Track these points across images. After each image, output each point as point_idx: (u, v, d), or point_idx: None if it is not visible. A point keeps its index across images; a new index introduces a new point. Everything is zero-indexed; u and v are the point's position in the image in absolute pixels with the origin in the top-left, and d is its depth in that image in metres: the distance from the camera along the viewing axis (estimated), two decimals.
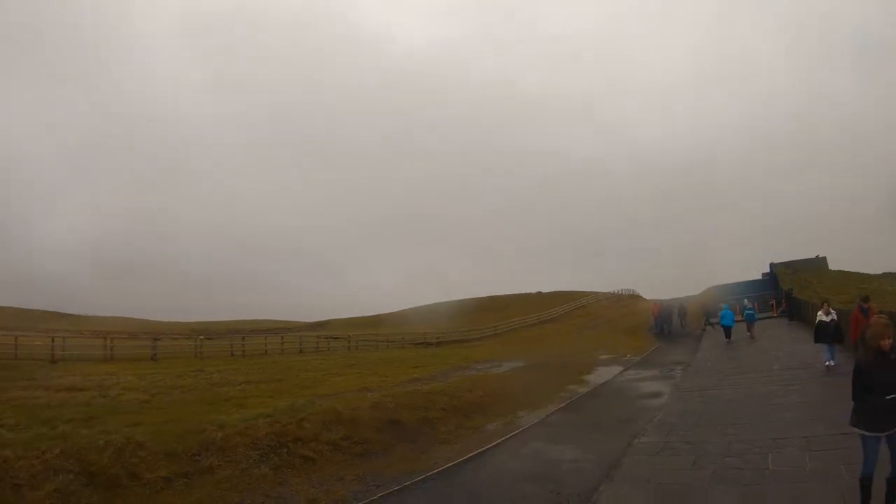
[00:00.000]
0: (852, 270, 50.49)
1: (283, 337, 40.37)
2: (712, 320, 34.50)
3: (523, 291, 68.55)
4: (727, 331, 27.31)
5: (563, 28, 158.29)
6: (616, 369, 22.02)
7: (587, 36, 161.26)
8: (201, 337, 34.63)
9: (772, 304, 41.85)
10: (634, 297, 61.86)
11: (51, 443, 8.98)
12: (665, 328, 36.20)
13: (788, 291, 38.84)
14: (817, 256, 53.45)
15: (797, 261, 52.28)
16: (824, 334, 16.04)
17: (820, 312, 16.49)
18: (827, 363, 15.76)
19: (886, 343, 5.60)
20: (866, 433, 5.73)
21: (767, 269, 53.46)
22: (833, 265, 52.47)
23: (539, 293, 67.94)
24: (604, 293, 62.73)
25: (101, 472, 8.70)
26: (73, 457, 8.75)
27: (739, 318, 30.18)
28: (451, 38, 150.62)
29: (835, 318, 16.22)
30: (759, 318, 32.73)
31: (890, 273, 47.89)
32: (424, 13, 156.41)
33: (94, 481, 8.50)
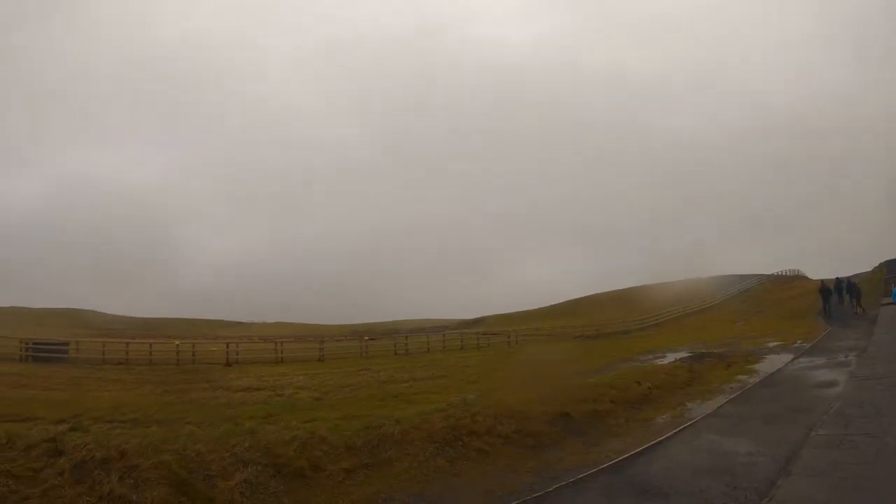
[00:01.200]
0: None
1: (444, 334, 41.23)
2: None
3: (680, 279, 65.60)
4: None
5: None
6: (786, 357, 20.54)
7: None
8: (366, 338, 36.26)
9: None
10: (800, 278, 57.30)
11: (239, 438, 9.91)
12: (828, 309, 33.29)
13: None
14: None
15: None
16: None
17: None
18: None
19: None
20: None
21: None
22: None
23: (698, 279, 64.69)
24: (767, 275, 58.56)
25: (287, 464, 9.50)
26: (261, 450, 9.61)
27: None
28: (558, 30, 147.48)
29: None
30: None
31: None
32: (529, 9, 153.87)
33: (280, 472, 9.31)
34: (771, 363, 19.81)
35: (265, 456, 9.47)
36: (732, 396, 15.10)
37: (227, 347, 29.52)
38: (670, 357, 22.71)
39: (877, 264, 48.28)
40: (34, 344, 28.47)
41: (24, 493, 8.08)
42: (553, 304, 67.83)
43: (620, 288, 65.66)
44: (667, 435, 11.88)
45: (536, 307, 66.86)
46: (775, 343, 25.06)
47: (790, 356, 20.88)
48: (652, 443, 11.36)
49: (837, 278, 41.61)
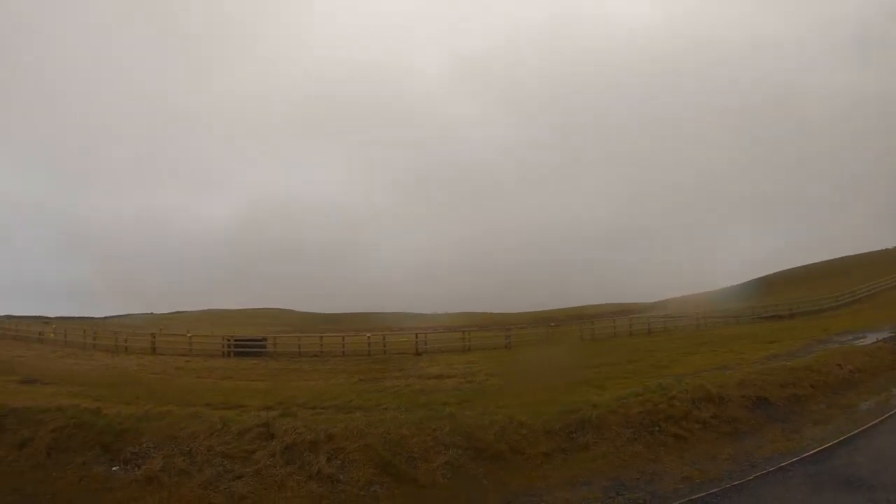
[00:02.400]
0: None
1: (630, 319, 40.67)
2: None
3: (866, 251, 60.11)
4: None
5: None
6: None
7: None
8: (552, 324, 36.54)
9: None
10: None
11: (440, 422, 10.82)
12: None
13: None
14: None
15: None
16: None
17: None
18: None
19: None
20: None
21: None
22: None
23: (886, 250, 58.98)
24: None
25: (487, 447, 10.23)
26: (461, 434, 10.45)
27: None
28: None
29: None
30: None
31: None
32: None
33: (480, 455, 10.07)
34: None
35: (465, 439, 10.29)
36: None
37: (416, 338, 31.20)
38: (871, 337, 21.14)
39: None
40: (236, 341, 32.07)
41: (238, 471, 9.42)
42: (742, 282, 64.65)
43: (809, 263, 61.59)
44: (871, 423, 11.46)
45: (722, 287, 64.02)
46: None
47: None
48: (856, 431, 10.99)
49: None
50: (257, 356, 30.42)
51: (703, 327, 37.23)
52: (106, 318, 50.06)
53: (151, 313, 52.94)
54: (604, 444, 10.69)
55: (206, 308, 58.34)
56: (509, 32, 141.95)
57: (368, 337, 31.91)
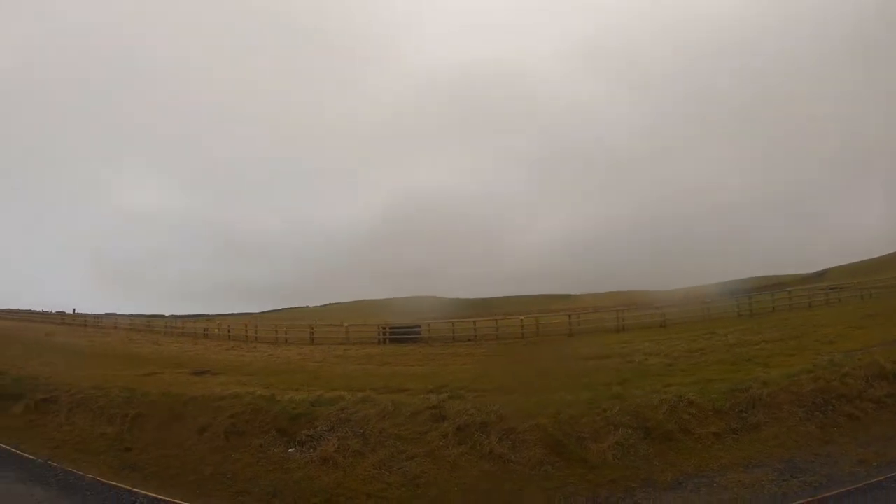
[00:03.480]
0: None
1: (790, 292, 39.03)
2: None
3: None
4: None
5: None
6: None
7: None
8: (707, 300, 35.68)
9: None
10: None
11: (608, 402, 11.16)
12: None
13: None
14: None
15: None
16: None
17: None
18: None
19: None
20: None
21: None
22: None
23: None
24: None
25: (656, 427, 10.51)
26: (630, 413, 10.77)
27: None
28: None
29: None
30: None
31: None
32: None
33: (649, 435, 10.39)
34: None
35: (634, 419, 10.63)
36: None
37: (570, 319, 31.37)
38: None
39: None
40: (391, 328, 33.80)
41: (411, 452, 10.15)
42: None
43: None
44: None
45: (889, 253, 59.76)
46: None
47: None
48: None
49: None
50: (412, 342, 31.99)
51: (868, 298, 35.17)
52: (263, 312, 53.93)
53: (306, 306, 56.40)
54: (775, 425, 10.69)
55: (355, 299, 61.24)
56: (621, 6, 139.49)
57: (521, 320, 32.45)
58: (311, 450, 10.79)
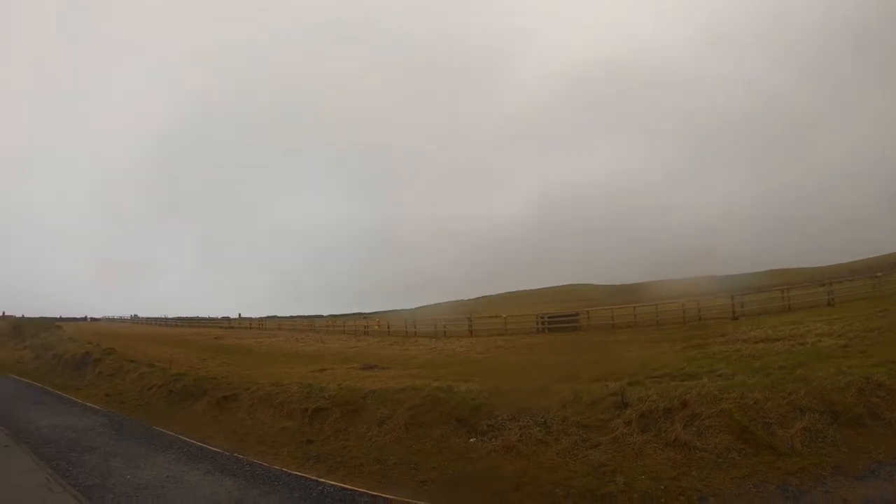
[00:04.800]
0: None
1: None
2: None
3: None
4: None
5: None
6: None
7: None
8: (878, 273, 34.32)
9: None
10: None
11: (793, 385, 11.35)
12: None
13: None
14: None
15: None
16: None
17: None
18: None
19: None
20: None
21: None
22: None
23: None
24: None
25: (845, 411, 10.58)
26: (816, 397, 10.90)
27: None
28: None
29: None
30: None
31: None
32: None
33: (837, 420, 10.47)
34: None
35: (821, 403, 10.77)
36: None
37: (732, 300, 31.14)
38: None
39: None
40: (549, 318, 34.63)
41: (594, 440, 10.74)
42: None
43: None
44: None
45: None
46: None
47: None
48: None
49: None
50: (571, 331, 32.76)
51: None
52: (416, 308, 56.34)
53: (459, 300, 58.40)
54: None
55: (506, 291, 62.67)
56: None
57: (682, 303, 32.50)
58: (493, 439, 11.63)
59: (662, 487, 9.21)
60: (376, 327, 44.01)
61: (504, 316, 36.93)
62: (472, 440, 11.98)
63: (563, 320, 35.80)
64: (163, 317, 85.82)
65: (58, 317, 78.39)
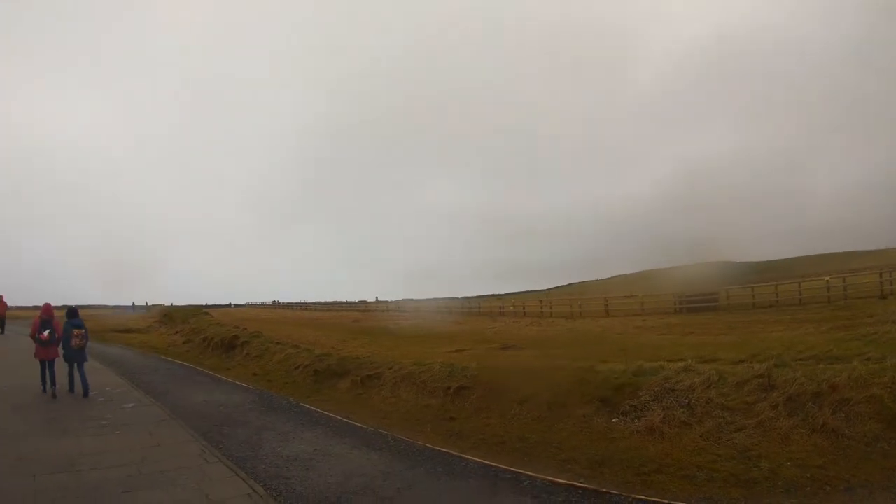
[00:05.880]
0: None
1: None
2: None
3: None
4: None
5: None
6: None
7: None
8: None
9: None
10: None
11: None
12: None
13: None
14: None
15: None
16: None
17: None
18: None
19: None
20: None
21: None
22: None
23: None
24: None
25: None
26: None
27: None
28: None
29: None
30: None
31: None
32: None
33: None
34: None
35: None
36: None
37: (881, 277, 30.35)
38: None
39: None
40: (686, 297, 34.98)
41: (739, 423, 11.05)
42: None
43: None
44: None
45: None
46: None
47: None
48: None
49: None
50: (710, 311, 32.71)
51: None
52: (551, 289, 57.05)
53: (594, 280, 58.80)
54: None
55: (641, 269, 62.42)
56: None
57: (827, 281, 31.82)
58: (636, 420, 12.17)
59: (808, 476, 9.31)
60: (511, 308, 45.10)
61: (640, 296, 37.07)
62: (614, 420, 12.50)
63: (702, 300, 35.95)
64: (302, 302, 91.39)
65: (204, 304, 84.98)
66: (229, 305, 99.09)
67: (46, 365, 18.60)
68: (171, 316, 54.12)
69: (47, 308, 19.10)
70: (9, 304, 44.47)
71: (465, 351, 22.96)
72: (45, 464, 10.95)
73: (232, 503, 9.09)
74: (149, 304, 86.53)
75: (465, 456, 11.90)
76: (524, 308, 45.51)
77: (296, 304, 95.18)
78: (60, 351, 18.67)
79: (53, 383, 18.52)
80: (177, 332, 44.04)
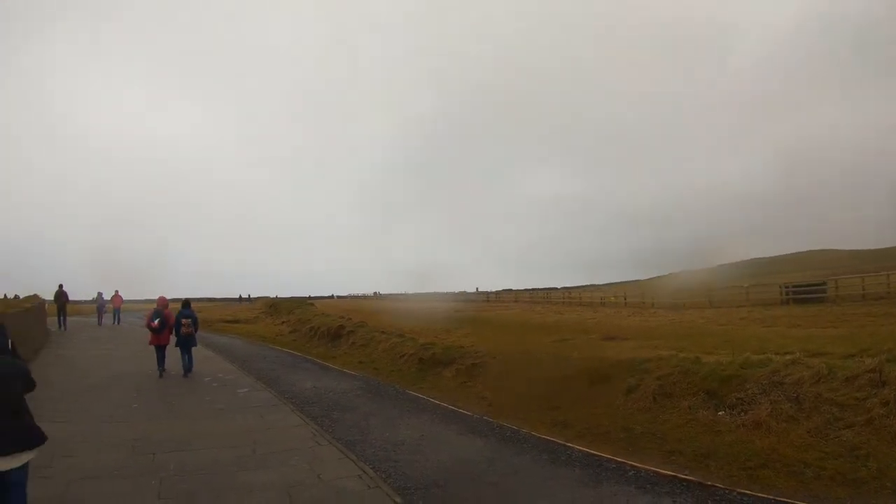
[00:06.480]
0: None
1: None
2: None
3: None
4: None
5: None
6: None
7: None
8: None
9: None
10: None
11: None
12: None
13: None
14: None
15: None
16: None
17: None
18: None
19: None
20: None
21: None
22: None
23: None
24: None
25: None
26: None
27: None
28: None
29: None
30: None
31: None
32: None
33: None
34: None
35: None
36: None
37: None
38: None
39: None
40: (794, 287, 34.28)
41: (848, 420, 11.02)
42: None
43: None
44: None
45: None
46: None
47: None
48: None
49: None
50: (818, 302, 32.05)
51: None
52: (650, 279, 56.81)
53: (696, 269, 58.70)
54: None
55: (746, 258, 61.26)
56: None
57: None
58: (742, 413, 12.27)
59: None
60: (612, 299, 45.18)
61: (746, 286, 36.54)
62: (720, 413, 12.65)
63: (810, 290, 35.50)
64: (402, 293, 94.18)
65: (307, 295, 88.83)
66: (332, 296, 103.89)
67: (158, 350, 20.51)
68: (276, 307, 56.84)
69: (162, 300, 21.21)
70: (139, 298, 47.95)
71: (568, 341, 23.31)
72: (164, 444, 11.90)
73: (343, 483, 9.76)
74: (251, 296, 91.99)
75: (569, 444, 12.30)
76: (625, 298, 45.77)
77: (397, 295, 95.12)
78: (172, 338, 20.62)
79: (162, 365, 20.46)
80: (283, 323, 46.14)
